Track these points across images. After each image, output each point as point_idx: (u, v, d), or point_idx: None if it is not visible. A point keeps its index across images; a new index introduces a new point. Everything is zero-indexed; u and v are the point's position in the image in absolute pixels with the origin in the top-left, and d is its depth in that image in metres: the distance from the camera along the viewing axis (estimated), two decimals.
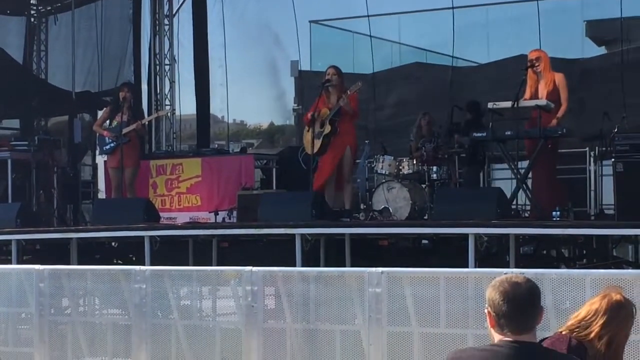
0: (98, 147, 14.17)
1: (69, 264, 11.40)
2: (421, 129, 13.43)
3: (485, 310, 3.81)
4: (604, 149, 12.05)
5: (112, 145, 13.27)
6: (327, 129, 11.79)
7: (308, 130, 11.93)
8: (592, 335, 4.36)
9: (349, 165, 11.95)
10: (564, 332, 4.41)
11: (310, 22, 18.36)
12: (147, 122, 14.86)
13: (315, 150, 11.79)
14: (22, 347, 10.00)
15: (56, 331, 9.79)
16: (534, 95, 10.92)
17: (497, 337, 3.79)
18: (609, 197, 11.85)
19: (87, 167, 17.45)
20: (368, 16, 17.02)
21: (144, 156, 14.64)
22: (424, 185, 11.89)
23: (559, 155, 11.26)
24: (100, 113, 15.57)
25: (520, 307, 3.74)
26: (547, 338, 4.40)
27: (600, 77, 15.30)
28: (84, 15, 18.03)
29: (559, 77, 10.97)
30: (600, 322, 4.37)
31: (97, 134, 13.87)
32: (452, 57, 16.70)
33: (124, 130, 13.09)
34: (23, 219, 12.73)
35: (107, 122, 13.53)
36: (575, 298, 6.89)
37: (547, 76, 10.95)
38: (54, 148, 15.53)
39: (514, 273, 3.90)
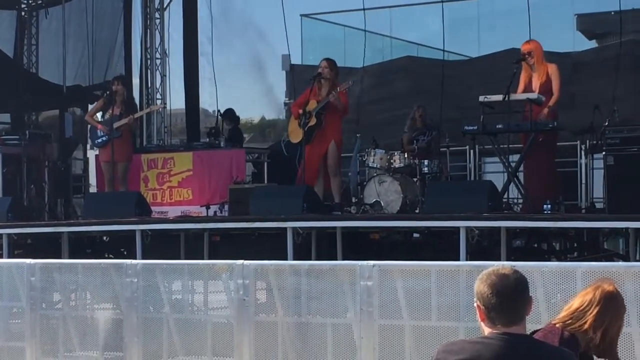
0: (90, 140, 14.12)
1: (60, 258, 11.38)
2: (415, 122, 13.46)
3: (475, 305, 3.81)
4: (594, 142, 12.06)
5: (104, 139, 13.24)
6: (313, 121, 11.79)
7: (296, 119, 11.98)
8: (586, 325, 4.36)
9: (334, 159, 11.87)
10: (557, 325, 4.41)
11: (302, 15, 18.36)
12: (139, 117, 14.80)
13: (298, 140, 11.92)
14: (13, 342, 9.98)
15: (47, 325, 9.78)
16: (528, 88, 10.94)
17: (487, 330, 3.79)
18: (599, 190, 11.88)
19: (78, 161, 17.40)
20: (359, 10, 17.01)
21: (135, 150, 14.61)
22: (415, 179, 11.90)
23: (556, 148, 11.28)
24: (91, 106, 15.51)
25: (510, 298, 3.74)
26: (538, 330, 4.41)
27: (591, 71, 15.32)
28: (75, 9, 17.96)
29: (552, 68, 11.02)
30: (594, 312, 4.38)
31: (89, 126, 13.82)
32: (444, 50, 16.70)
33: (116, 125, 13.06)
34: (14, 213, 12.72)
35: (100, 114, 13.50)
36: (566, 291, 6.88)
37: (540, 68, 10.99)
38: (45, 142, 15.48)
39: (502, 265, 3.90)
